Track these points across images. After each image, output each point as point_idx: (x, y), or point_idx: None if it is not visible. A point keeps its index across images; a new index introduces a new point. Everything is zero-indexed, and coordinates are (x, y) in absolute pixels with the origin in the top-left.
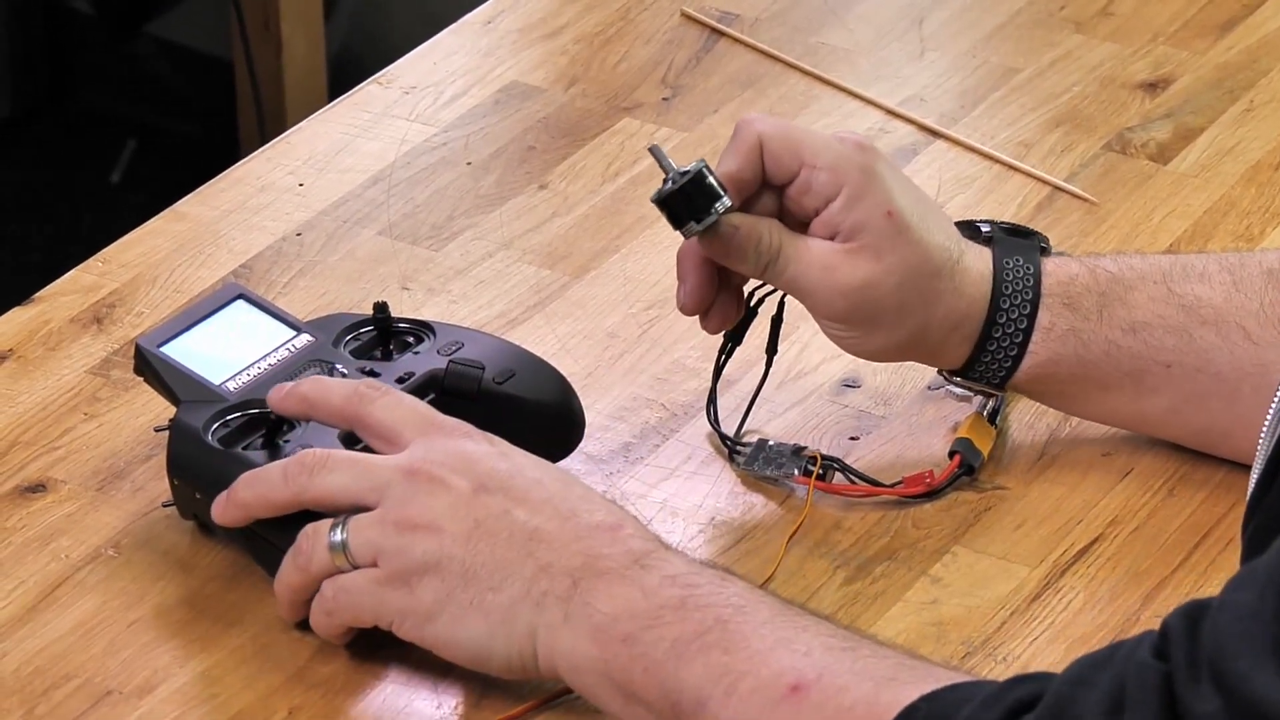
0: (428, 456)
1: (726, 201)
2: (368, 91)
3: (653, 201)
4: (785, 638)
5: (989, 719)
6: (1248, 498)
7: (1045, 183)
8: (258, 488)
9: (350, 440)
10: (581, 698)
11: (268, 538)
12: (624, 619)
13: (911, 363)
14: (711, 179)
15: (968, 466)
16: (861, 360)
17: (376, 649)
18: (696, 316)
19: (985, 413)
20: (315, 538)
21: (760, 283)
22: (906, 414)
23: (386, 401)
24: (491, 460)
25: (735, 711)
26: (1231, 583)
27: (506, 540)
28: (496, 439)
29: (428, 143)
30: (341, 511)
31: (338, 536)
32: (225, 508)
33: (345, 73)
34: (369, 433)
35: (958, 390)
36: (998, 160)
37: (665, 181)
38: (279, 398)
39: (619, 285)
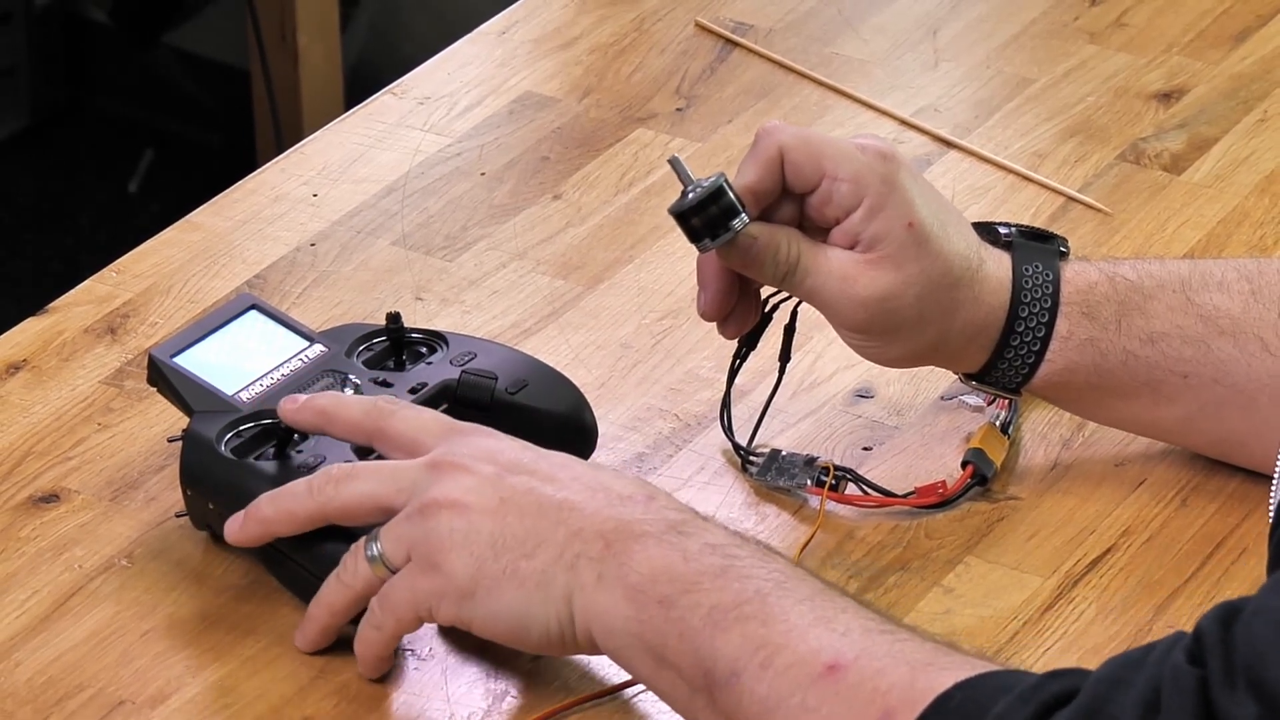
0: (450, 451)
1: (745, 218)
2: (382, 102)
3: (670, 214)
4: (825, 616)
5: (1024, 714)
6: (1274, 506)
7: (1059, 193)
8: (281, 503)
9: (363, 454)
10: (596, 706)
11: (287, 553)
12: (662, 581)
13: (924, 373)
14: (730, 195)
15: (980, 477)
16: (875, 371)
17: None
18: (713, 323)
19: (998, 423)
20: (356, 555)
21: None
22: (919, 424)
23: (406, 414)
24: (515, 450)
25: (770, 686)
26: (1267, 587)
27: (536, 511)
28: (518, 439)
29: (442, 153)
30: (370, 522)
31: (374, 549)
32: (244, 525)
33: (362, 83)
34: (390, 445)
35: (971, 401)
36: (1012, 171)
37: (684, 194)
38: (292, 409)
39: (633, 295)
